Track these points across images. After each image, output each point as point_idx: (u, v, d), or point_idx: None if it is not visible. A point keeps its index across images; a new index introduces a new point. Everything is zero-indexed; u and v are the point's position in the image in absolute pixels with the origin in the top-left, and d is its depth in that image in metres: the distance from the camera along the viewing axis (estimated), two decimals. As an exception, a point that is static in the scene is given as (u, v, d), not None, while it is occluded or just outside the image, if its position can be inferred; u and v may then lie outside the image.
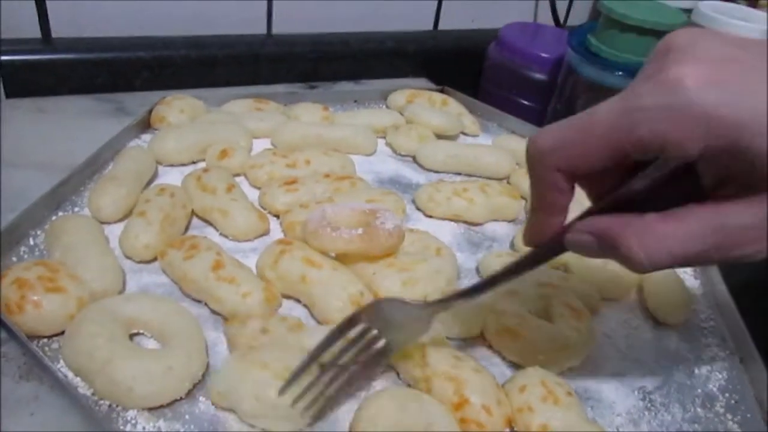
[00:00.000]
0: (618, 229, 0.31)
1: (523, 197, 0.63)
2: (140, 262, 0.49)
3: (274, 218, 0.56)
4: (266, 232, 0.54)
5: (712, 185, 0.30)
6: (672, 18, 0.72)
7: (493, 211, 0.61)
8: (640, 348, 0.50)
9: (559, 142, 0.32)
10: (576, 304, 0.48)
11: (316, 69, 0.85)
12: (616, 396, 0.45)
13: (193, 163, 0.62)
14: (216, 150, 0.61)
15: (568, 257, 0.54)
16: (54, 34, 0.72)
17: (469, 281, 0.53)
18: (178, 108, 0.66)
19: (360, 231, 0.48)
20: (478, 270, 0.55)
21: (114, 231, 0.50)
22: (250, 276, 0.47)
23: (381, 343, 0.39)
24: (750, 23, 0.69)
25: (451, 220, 0.60)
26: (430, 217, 0.60)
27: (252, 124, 0.67)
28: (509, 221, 0.62)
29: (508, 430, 0.40)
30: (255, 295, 0.45)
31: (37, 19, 0.70)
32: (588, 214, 0.34)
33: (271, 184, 0.58)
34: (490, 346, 0.47)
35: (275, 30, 0.83)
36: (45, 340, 0.41)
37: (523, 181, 0.64)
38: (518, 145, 0.71)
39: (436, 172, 0.68)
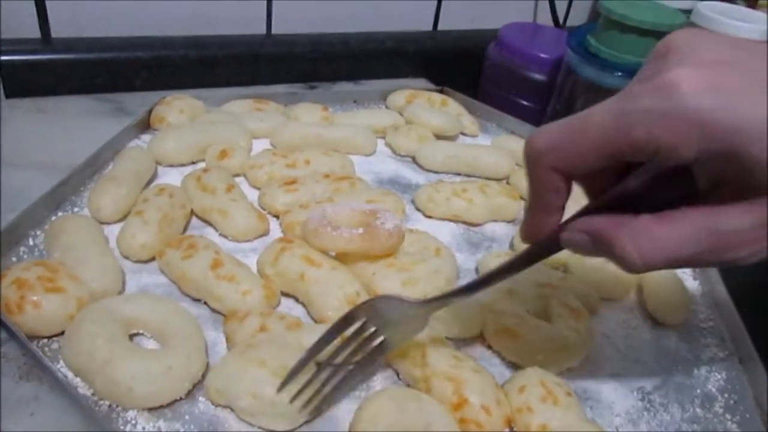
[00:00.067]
0: (612, 230, 0.31)
1: (522, 198, 0.63)
2: (137, 261, 0.49)
3: (274, 218, 0.56)
4: (266, 233, 0.54)
5: (707, 187, 0.30)
6: (671, 19, 0.72)
7: (492, 211, 0.61)
8: (639, 348, 0.50)
9: (555, 142, 0.32)
10: (575, 305, 0.48)
11: (316, 69, 0.85)
12: (615, 396, 0.45)
13: (193, 163, 0.62)
14: (216, 150, 0.61)
15: (568, 257, 0.55)
16: (54, 34, 0.72)
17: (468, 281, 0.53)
18: (178, 108, 0.66)
19: (360, 230, 0.48)
20: (477, 270, 0.55)
21: (114, 231, 0.50)
22: (250, 274, 0.47)
23: (378, 340, 0.39)
24: (749, 24, 0.69)
25: (451, 220, 0.60)
26: (430, 217, 0.60)
27: (252, 125, 0.67)
28: (508, 222, 0.62)
29: (507, 430, 0.40)
30: (255, 293, 0.45)
31: (36, 19, 0.70)
32: (584, 212, 0.34)
33: (271, 185, 0.58)
34: (489, 347, 0.47)
35: (275, 30, 0.83)
36: (45, 340, 0.41)
37: (523, 182, 0.63)
38: (517, 146, 0.71)
39: (436, 172, 0.68)
